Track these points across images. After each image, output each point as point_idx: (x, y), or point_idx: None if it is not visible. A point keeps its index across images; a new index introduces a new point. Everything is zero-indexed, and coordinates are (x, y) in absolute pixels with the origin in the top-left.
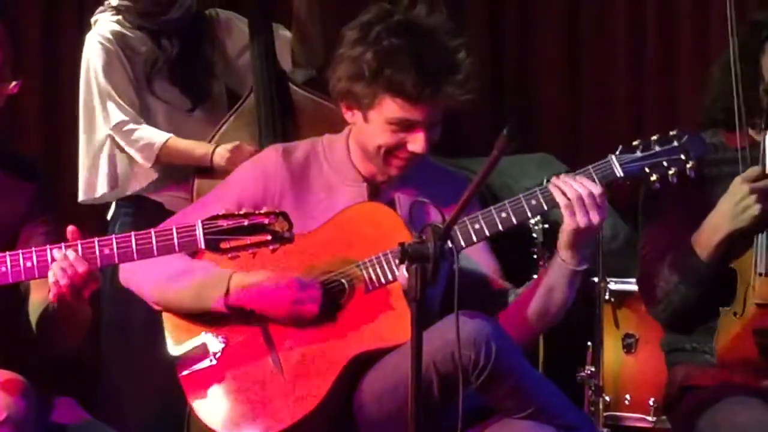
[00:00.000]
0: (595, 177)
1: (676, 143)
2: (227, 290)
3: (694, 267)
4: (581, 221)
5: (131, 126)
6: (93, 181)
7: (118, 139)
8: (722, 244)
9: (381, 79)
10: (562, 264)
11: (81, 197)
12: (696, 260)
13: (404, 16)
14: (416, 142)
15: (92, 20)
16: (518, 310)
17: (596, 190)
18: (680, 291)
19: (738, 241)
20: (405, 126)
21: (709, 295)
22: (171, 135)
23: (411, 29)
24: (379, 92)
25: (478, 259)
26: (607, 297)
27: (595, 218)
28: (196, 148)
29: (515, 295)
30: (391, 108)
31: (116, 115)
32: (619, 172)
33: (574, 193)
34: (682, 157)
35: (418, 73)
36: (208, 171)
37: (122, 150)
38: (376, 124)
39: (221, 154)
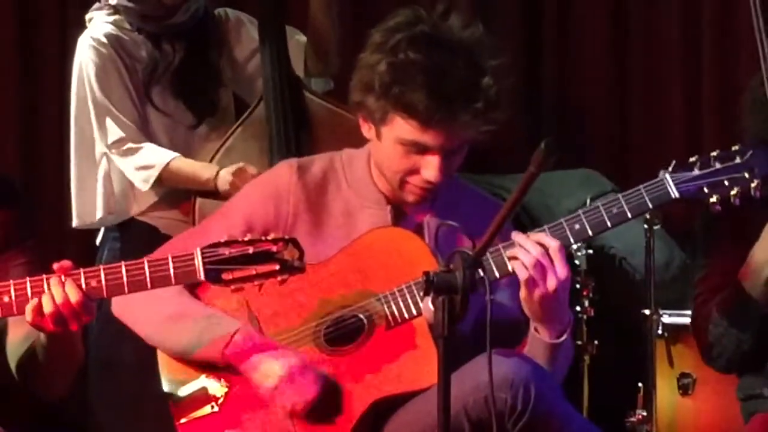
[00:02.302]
0: (547, 232)
1: (738, 159)
2: (225, 348)
3: (744, 308)
4: (539, 291)
5: (131, 145)
6: (88, 205)
7: (115, 158)
8: None
9: (390, 96)
10: (537, 337)
11: (75, 222)
12: (746, 300)
13: (430, 27)
14: (429, 168)
15: (87, 17)
16: None
17: (552, 244)
18: (732, 335)
19: None
20: (418, 149)
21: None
22: (175, 155)
23: (434, 43)
24: (390, 109)
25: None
26: (659, 332)
27: (551, 283)
28: (203, 171)
29: None
30: (402, 128)
31: (114, 132)
32: (674, 193)
33: (531, 261)
34: (746, 175)
35: (430, 95)
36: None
37: (119, 173)
38: (387, 142)
39: (224, 177)
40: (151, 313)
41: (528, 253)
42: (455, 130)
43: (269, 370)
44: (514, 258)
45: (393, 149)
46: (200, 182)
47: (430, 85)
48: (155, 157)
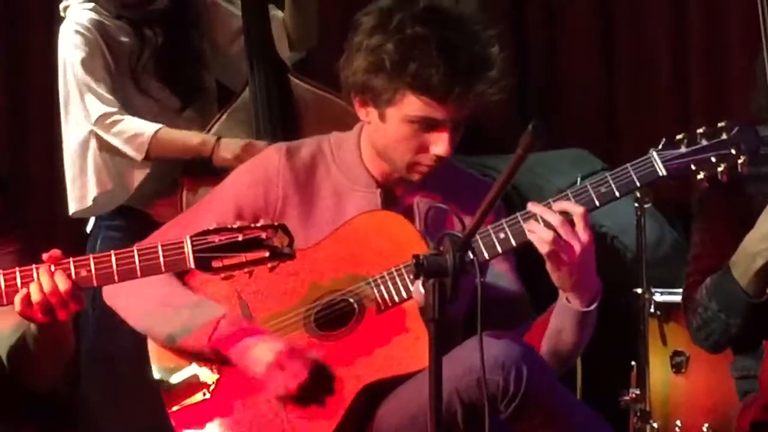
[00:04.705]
0: (571, 198)
1: (725, 136)
2: (211, 335)
3: (733, 295)
4: (562, 262)
5: (115, 117)
6: (83, 189)
7: (102, 133)
8: (763, 270)
9: (404, 74)
10: (567, 306)
11: (72, 209)
12: (735, 288)
13: (430, 2)
14: (439, 144)
15: (61, 6)
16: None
17: (576, 211)
18: (720, 319)
19: None
20: (426, 125)
21: (757, 324)
22: (161, 125)
23: (438, 17)
24: (401, 88)
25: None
26: (652, 310)
27: (574, 252)
28: (192, 136)
29: None
30: (413, 105)
31: (97, 108)
32: (661, 171)
33: (550, 235)
34: (733, 151)
35: (447, 69)
36: (198, 173)
37: (109, 148)
38: (393, 123)
39: (229, 148)
40: (138, 300)
41: (546, 227)
42: (468, 101)
43: (258, 355)
44: (532, 232)
45: (401, 129)
46: (192, 149)
47: (446, 58)
48: (143, 125)
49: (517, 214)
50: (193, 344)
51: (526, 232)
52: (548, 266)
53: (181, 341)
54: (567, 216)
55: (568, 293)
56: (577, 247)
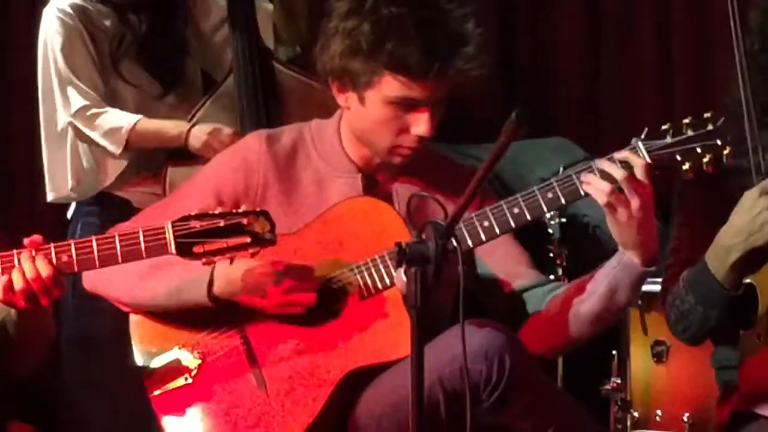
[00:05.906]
0: (642, 151)
1: (710, 126)
2: (210, 280)
3: (710, 288)
4: (621, 215)
5: (94, 110)
6: (60, 178)
7: (80, 126)
8: (738, 264)
9: (381, 54)
10: (629, 264)
11: (49, 197)
12: (711, 280)
13: None
14: (420, 124)
15: None
16: (559, 312)
17: (637, 163)
18: (698, 312)
19: (756, 256)
20: (406, 106)
21: (734, 315)
22: (140, 116)
23: None
24: (379, 69)
25: (502, 251)
26: None
27: (635, 203)
28: (171, 128)
29: (556, 290)
30: (391, 86)
31: (77, 101)
32: (646, 160)
33: (608, 186)
34: (718, 142)
35: (425, 47)
36: (181, 156)
37: (86, 139)
38: (373, 106)
39: (197, 135)
40: (124, 272)
41: (602, 179)
42: (447, 78)
43: (264, 288)
44: (588, 183)
45: (380, 111)
46: (168, 138)
47: (423, 36)
48: (121, 119)
49: (501, 202)
50: (192, 298)
51: (583, 184)
52: (608, 220)
53: (178, 299)
54: (627, 168)
55: (630, 251)
56: (637, 201)
